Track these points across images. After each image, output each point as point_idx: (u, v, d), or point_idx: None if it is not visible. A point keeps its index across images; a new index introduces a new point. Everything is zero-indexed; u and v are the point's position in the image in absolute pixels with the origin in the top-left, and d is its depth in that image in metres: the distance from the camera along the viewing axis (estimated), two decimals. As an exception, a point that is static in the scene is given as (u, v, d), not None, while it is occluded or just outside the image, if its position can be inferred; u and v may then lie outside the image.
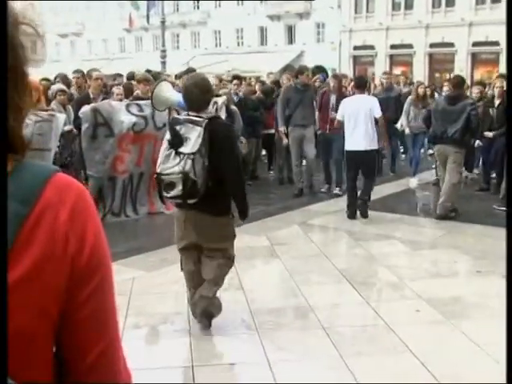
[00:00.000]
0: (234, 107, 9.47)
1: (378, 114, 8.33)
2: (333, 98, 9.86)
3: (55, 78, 10.09)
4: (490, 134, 9.81)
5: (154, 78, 9.48)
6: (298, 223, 8.12)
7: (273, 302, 5.32)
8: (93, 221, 1.00)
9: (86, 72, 10.25)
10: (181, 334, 4.59)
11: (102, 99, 8.57)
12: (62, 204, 0.96)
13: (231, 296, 5.36)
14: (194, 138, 4.27)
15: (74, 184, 1.00)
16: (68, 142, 7.54)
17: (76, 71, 10.28)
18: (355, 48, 44.90)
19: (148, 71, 11.75)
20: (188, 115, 4.43)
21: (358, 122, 8.20)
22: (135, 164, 8.23)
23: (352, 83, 14.70)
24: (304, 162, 10.33)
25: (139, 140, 8.15)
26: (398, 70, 37.66)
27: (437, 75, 39.14)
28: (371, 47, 44.05)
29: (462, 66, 39.56)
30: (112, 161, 7.98)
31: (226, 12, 49.67)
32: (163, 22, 29.42)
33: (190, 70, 10.97)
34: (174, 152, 4.34)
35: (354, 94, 13.70)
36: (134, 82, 10.03)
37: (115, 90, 8.85)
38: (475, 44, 39.64)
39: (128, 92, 9.20)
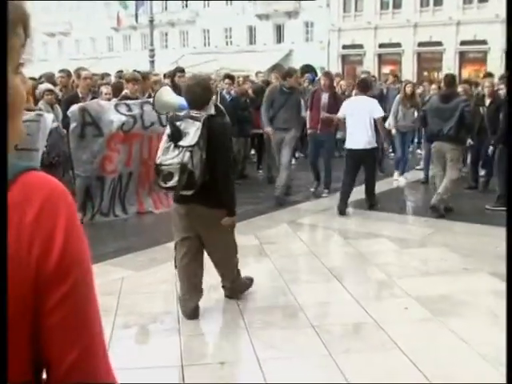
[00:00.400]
0: (221, 106, 9.46)
1: (379, 114, 8.74)
2: (324, 97, 9.69)
3: (40, 78, 10.04)
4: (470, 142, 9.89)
5: (143, 77, 9.46)
6: (287, 222, 8.13)
7: (262, 300, 5.32)
8: (64, 221, 0.95)
9: (73, 71, 10.20)
10: (170, 333, 4.59)
11: (91, 98, 8.54)
12: (28, 204, 0.92)
13: (220, 295, 5.36)
14: (192, 132, 4.52)
15: (46, 183, 0.97)
16: (56, 141, 7.50)
17: (62, 71, 10.22)
18: (344, 47, 44.98)
19: (136, 71, 11.73)
20: (190, 112, 4.68)
21: (360, 122, 8.52)
22: (124, 164, 8.22)
23: (342, 82, 14.86)
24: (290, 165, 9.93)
25: (128, 139, 8.15)
26: (386, 69, 37.84)
27: (425, 74, 39.30)
28: (360, 46, 44.15)
29: (450, 65, 39.74)
30: (100, 160, 7.96)
31: (214, 11, 49.60)
32: (152, 21, 29.33)
33: (179, 70, 10.97)
34: (173, 144, 4.56)
35: (345, 93, 13.88)
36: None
37: (103, 89, 8.83)
38: (463, 43, 39.85)
39: (117, 91, 9.17)
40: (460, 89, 11.12)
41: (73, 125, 7.68)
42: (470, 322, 4.84)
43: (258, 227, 7.80)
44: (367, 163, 8.77)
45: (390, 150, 13.93)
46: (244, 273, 5.44)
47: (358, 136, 8.51)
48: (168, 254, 6.56)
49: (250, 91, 12.08)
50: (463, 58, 40.61)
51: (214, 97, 7.58)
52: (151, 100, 8.58)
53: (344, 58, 45.58)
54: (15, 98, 0.96)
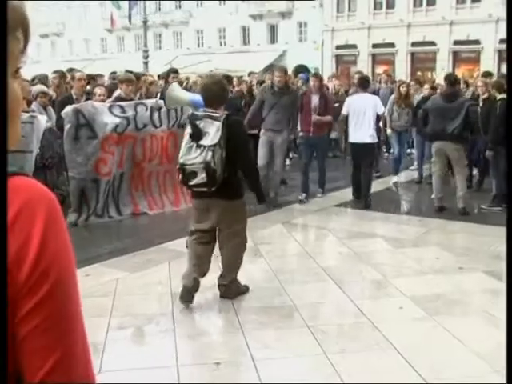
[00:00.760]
0: None
1: (381, 110, 9.51)
2: (314, 99, 9.43)
3: (33, 79, 10.00)
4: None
5: (136, 78, 9.45)
6: (282, 222, 8.14)
7: (257, 300, 5.32)
8: (41, 227, 0.93)
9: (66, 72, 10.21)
10: (165, 334, 4.59)
11: (85, 100, 8.51)
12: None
13: (215, 295, 5.36)
14: (212, 131, 4.83)
15: (26, 189, 0.94)
16: (49, 142, 7.48)
17: (55, 72, 10.20)
18: (337, 47, 45.04)
19: (129, 72, 11.71)
20: (205, 111, 4.97)
21: (363, 118, 9.08)
22: (117, 165, 8.21)
23: (336, 82, 14.89)
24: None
25: (121, 141, 8.15)
26: (380, 69, 37.90)
27: (419, 73, 39.39)
28: (353, 46, 44.22)
29: (443, 65, 39.86)
30: (95, 163, 7.95)
31: (208, 11, 49.59)
32: (145, 22, 29.36)
33: (173, 71, 10.96)
34: (195, 144, 4.86)
35: (338, 93, 13.91)
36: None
37: (97, 90, 8.81)
38: (456, 43, 39.97)
39: (110, 92, 9.15)
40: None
41: (67, 126, 7.67)
42: (464, 321, 4.85)
43: (252, 228, 7.74)
44: (368, 156, 9.32)
45: (384, 150, 13.99)
46: (239, 273, 5.45)
47: (364, 131, 9.06)
48: (163, 255, 6.58)
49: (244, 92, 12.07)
50: (457, 58, 40.73)
51: None
52: (145, 101, 8.63)
53: (338, 58, 45.63)
54: (13, 102, 0.96)
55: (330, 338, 4.48)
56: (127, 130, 8.15)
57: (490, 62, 36.07)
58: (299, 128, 9.58)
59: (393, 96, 11.50)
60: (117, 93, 8.95)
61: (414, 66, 42.24)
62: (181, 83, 10.84)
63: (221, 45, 50.79)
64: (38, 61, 55.88)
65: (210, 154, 4.80)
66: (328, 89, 14.54)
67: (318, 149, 9.61)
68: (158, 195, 8.78)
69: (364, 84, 9.82)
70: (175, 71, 10.98)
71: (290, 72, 13.48)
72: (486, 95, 9.38)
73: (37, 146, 6.98)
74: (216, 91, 5.00)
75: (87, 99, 8.53)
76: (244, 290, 5.44)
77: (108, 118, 7.97)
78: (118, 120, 8.03)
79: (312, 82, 9.81)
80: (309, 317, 4.88)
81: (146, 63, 27.81)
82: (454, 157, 8.62)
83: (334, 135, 13.98)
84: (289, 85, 9.44)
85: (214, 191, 4.91)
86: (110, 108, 8.08)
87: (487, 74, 12.32)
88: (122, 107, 8.16)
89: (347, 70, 39.93)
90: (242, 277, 5.54)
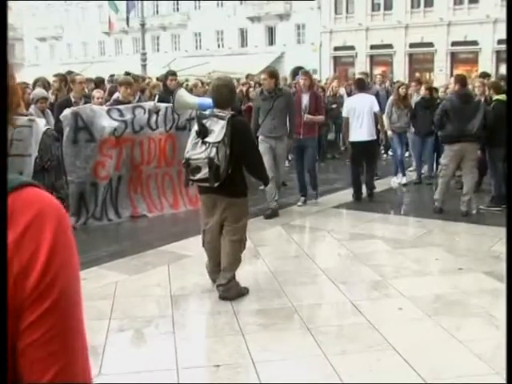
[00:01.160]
0: None
1: (377, 109, 9.71)
2: (305, 98, 9.02)
3: (36, 82, 9.99)
4: None
5: (135, 80, 9.45)
6: (281, 224, 8.13)
7: (257, 302, 5.33)
8: (50, 239, 0.94)
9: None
10: (165, 336, 4.58)
11: (84, 103, 8.51)
12: (15, 222, 0.92)
13: (215, 297, 5.36)
14: (217, 129, 5.06)
15: (37, 200, 0.95)
16: (47, 145, 7.47)
17: (56, 75, 10.19)
18: (335, 49, 45.11)
19: (127, 74, 11.71)
20: (213, 111, 5.22)
21: (363, 117, 9.38)
22: (114, 168, 8.21)
23: (333, 83, 14.91)
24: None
25: (118, 144, 8.15)
26: (378, 70, 37.87)
27: (417, 74, 39.43)
28: (351, 48, 44.27)
29: (441, 66, 39.91)
30: (93, 166, 7.95)
31: (205, 14, 49.64)
32: (143, 25, 29.27)
33: (171, 73, 10.95)
34: (200, 141, 5.09)
35: (336, 94, 13.96)
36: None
37: (95, 93, 8.81)
38: (454, 44, 40.00)
39: (109, 95, 9.16)
40: (441, 89, 11.25)
41: (66, 129, 7.67)
42: (464, 322, 4.85)
43: (252, 229, 7.72)
44: (371, 152, 9.76)
45: (383, 152, 13.99)
46: (238, 274, 5.45)
47: (364, 129, 9.37)
48: (162, 258, 6.57)
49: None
50: (455, 59, 40.76)
51: None
52: (143, 104, 8.63)
53: (336, 59, 45.68)
54: None
55: (329, 340, 4.48)
56: (125, 133, 8.16)
57: (487, 62, 36.12)
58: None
59: (391, 98, 11.46)
60: (115, 95, 8.96)
61: (412, 67, 42.28)
62: (180, 85, 10.83)
63: (219, 47, 50.81)
64: (36, 64, 56.02)
65: (214, 150, 5.01)
66: (324, 90, 14.57)
67: (308, 154, 9.19)
68: (157, 198, 8.77)
69: (361, 85, 10.06)
70: (173, 74, 10.96)
71: (287, 74, 13.51)
72: (482, 96, 9.38)
73: (35, 150, 6.96)
74: (225, 93, 5.26)
75: (86, 102, 8.52)
76: (244, 291, 5.46)
77: (106, 122, 7.97)
78: (115, 124, 8.03)
79: (302, 80, 9.40)
80: (308, 318, 4.88)
81: (144, 66, 27.73)
82: (471, 158, 8.49)
83: (330, 136, 14.00)
84: (280, 87, 8.86)
85: (219, 188, 5.10)
86: (109, 111, 8.08)
87: (485, 75, 12.33)
88: (120, 111, 8.16)
89: (345, 71, 39.95)
90: (242, 278, 5.54)
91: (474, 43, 38.95)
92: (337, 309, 5.27)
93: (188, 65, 38.31)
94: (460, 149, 8.42)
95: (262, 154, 8.29)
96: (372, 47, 43.53)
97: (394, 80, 20.59)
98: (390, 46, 42.50)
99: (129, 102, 8.48)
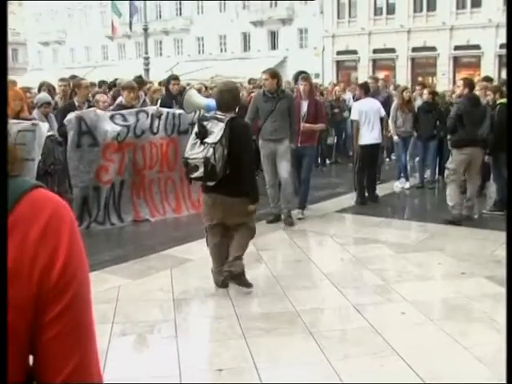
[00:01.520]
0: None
1: (383, 113, 10.01)
2: (304, 105, 8.61)
3: (41, 87, 10.00)
4: None
5: (143, 84, 9.47)
6: (284, 228, 8.13)
7: (259, 307, 5.33)
8: (67, 237, 0.99)
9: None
10: (168, 341, 4.58)
11: (88, 107, 8.51)
12: (34, 220, 0.95)
13: (217, 302, 5.37)
14: (216, 131, 5.24)
15: (50, 200, 1.00)
16: (50, 149, 7.49)
17: (62, 79, 10.20)
18: (338, 53, 45.13)
19: (138, 77, 11.80)
20: (215, 113, 5.42)
21: (373, 121, 9.59)
22: (116, 172, 8.22)
23: (336, 88, 14.91)
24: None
25: (121, 148, 8.16)
26: (380, 75, 37.84)
27: (420, 79, 39.45)
28: (354, 52, 44.30)
29: (443, 70, 39.92)
30: (96, 170, 7.96)
31: (208, 18, 49.73)
32: (146, 29, 29.35)
33: (173, 77, 10.98)
34: (199, 141, 5.28)
35: (339, 99, 13.96)
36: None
37: (100, 97, 8.81)
38: (457, 48, 40.02)
39: (112, 99, 9.17)
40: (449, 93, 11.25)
41: (70, 133, 7.69)
42: (466, 327, 4.85)
43: (254, 234, 7.78)
44: (378, 155, 10.10)
45: (385, 156, 13.98)
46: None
47: (375, 132, 9.60)
48: (165, 262, 6.58)
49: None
50: (457, 63, 40.78)
51: None
52: (146, 108, 8.65)
53: (338, 63, 45.72)
54: None
55: (332, 344, 4.48)
56: (127, 138, 8.18)
57: (490, 67, 36.11)
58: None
59: (395, 102, 11.41)
60: (118, 100, 8.97)
61: (414, 72, 42.30)
62: (183, 89, 10.84)
63: (221, 51, 50.90)
64: (40, 68, 56.14)
65: (211, 150, 5.19)
66: (322, 94, 14.52)
67: (305, 163, 8.79)
68: (160, 202, 8.78)
69: (367, 89, 10.23)
70: (176, 78, 10.99)
71: (290, 78, 13.47)
72: (484, 100, 9.36)
73: (39, 154, 6.99)
74: (227, 98, 5.44)
75: (89, 107, 8.53)
76: (247, 282, 5.60)
77: (109, 126, 7.99)
78: (118, 128, 8.05)
79: (302, 86, 8.82)
80: (311, 322, 4.87)
81: (146, 70, 27.79)
82: (477, 163, 8.44)
83: (329, 141, 13.96)
84: (283, 88, 8.55)
85: (218, 187, 5.29)
86: (112, 116, 8.10)
87: (487, 79, 12.33)
88: (123, 115, 8.18)
89: (348, 75, 40.00)
90: (244, 283, 5.54)
91: (477, 47, 38.95)
92: (339, 313, 5.27)
93: (191, 69, 38.41)
94: (470, 153, 8.29)
95: (262, 160, 8.24)
96: (375, 51, 43.56)
97: (395, 84, 20.49)
98: (392, 51, 42.52)
99: (132, 107, 8.50)
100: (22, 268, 0.93)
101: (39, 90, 9.68)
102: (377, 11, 43.55)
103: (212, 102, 6.11)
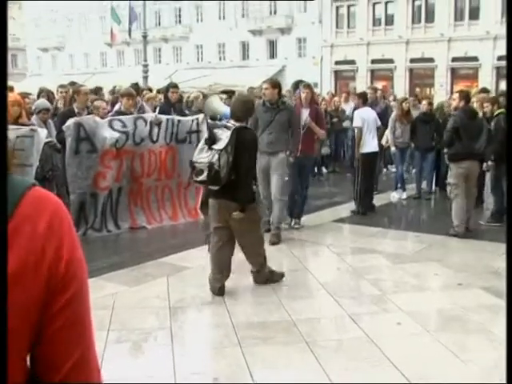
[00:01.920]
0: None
1: (379, 123, 10.17)
2: (305, 113, 8.35)
3: (40, 93, 10.00)
4: None
5: (135, 90, 9.49)
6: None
7: (255, 316, 5.32)
8: (68, 234, 1.02)
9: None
10: (163, 349, 4.57)
11: (87, 114, 8.51)
12: (38, 217, 0.98)
13: (213, 310, 5.36)
14: (224, 138, 5.48)
15: (49, 197, 1.03)
16: (48, 155, 7.49)
17: (62, 86, 10.21)
18: (336, 63, 45.29)
19: (135, 85, 11.81)
20: (227, 122, 5.75)
21: (372, 129, 9.79)
22: (114, 179, 8.22)
23: (335, 98, 14.96)
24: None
25: (119, 155, 8.16)
26: (378, 85, 37.92)
27: (417, 90, 39.57)
28: (352, 62, 44.47)
29: (441, 81, 40.07)
30: (94, 177, 7.96)
31: (207, 26, 49.88)
32: (145, 37, 29.41)
33: (172, 85, 10.99)
34: (207, 147, 5.53)
35: (338, 109, 14.01)
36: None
37: (100, 104, 8.80)
38: (454, 59, 40.19)
39: (111, 106, 9.18)
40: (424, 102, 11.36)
41: (68, 139, 7.69)
42: (463, 338, 4.84)
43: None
44: (375, 164, 10.30)
45: (382, 166, 14.00)
46: (236, 287, 5.44)
47: (375, 140, 9.83)
48: (161, 269, 6.57)
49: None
50: (455, 75, 40.96)
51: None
52: (144, 115, 8.66)
53: (337, 73, 45.88)
54: None
55: (328, 354, 4.47)
56: (126, 145, 8.18)
57: (488, 78, 36.28)
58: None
59: (394, 113, 11.44)
60: (117, 106, 8.98)
61: (412, 82, 42.47)
62: (181, 97, 10.87)
63: (220, 59, 51.03)
64: (39, 74, 56.14)
65: (216, 156, 5.41)
66: (318, 104, 14.52)
67: (305, 170, 8.67)
68: (157, 210, 8.78)
69: (365, 98, 10.53)
70: (175, 86, 11.00)
71: (289, 87, 13.48)
72: (481, 111, 9.39)
73: (37, 159, 6.98)
74: (240, 108, 5.76)
75: (89, 113, 8.53)
76: (279, 275, 6.11)
77: (107, 133, 7.99)
78: (117, 135, 8.05)
79: (303, 93, 8.56)
80: (307, 332, 4.87)
81: (145, 77, 27.83)
82: (474, 176, 8.36)
83: (324, 150, 13.94)
84: (283, 100, 8.25)
85: (223, 192, 5.50)
86: (111, 123, 8.10)
87: (484, 91, 12.39)
88: (122, 122, 8.18)
89: (346, 85, 40.12)
90: (241, 292, 5.54)
91: (475, 59, 39.14)
92: (335, 323, 5.26)
93: (189, 77, 38.46)
94: (467, 167, 8.20)
95: (257, 173, 7.42)
96: (373, 62, 43.74)
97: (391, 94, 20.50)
98: (390, 61, 42.70)
99: (130, 113, 8.51)
100: (32, 262, 0.95)
101: (38, 97, 9.67)
102: (375, 22, 43.75)
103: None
